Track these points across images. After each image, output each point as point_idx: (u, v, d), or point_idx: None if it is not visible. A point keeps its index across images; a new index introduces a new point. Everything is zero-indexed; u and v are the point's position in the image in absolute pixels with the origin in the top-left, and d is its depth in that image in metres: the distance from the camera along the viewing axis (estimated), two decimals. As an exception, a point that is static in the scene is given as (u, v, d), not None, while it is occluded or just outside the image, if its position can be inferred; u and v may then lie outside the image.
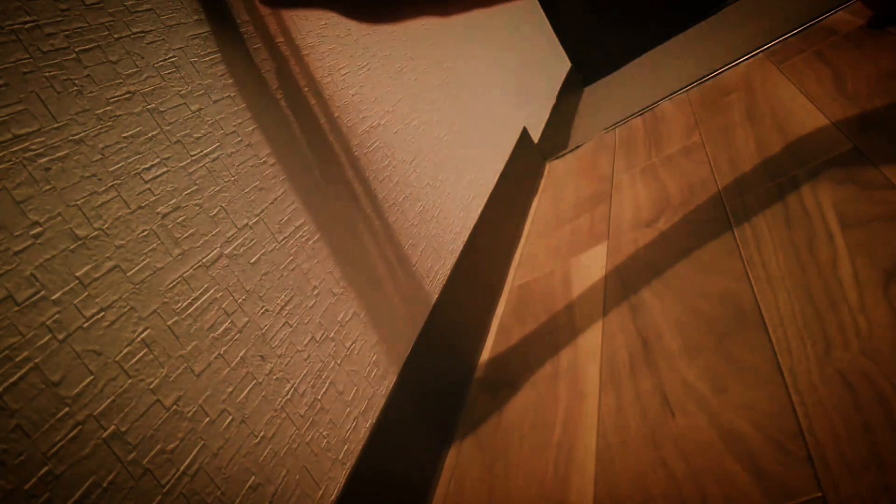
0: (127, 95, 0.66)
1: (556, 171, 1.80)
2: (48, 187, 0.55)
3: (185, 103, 0.73)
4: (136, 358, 0.55)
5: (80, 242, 0.55)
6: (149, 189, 0.64)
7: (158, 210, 0.64)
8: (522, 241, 1.43)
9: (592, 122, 2.11)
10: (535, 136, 1.96)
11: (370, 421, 0.78)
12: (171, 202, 0.65)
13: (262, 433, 0.63)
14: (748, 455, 0.56)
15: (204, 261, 0.66)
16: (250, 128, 0.81)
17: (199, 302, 0.63)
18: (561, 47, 2.82)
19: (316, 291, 0.79)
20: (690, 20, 2.64)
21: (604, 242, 1.15)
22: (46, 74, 0.59)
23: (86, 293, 0.54)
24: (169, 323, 0.59)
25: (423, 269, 1.05)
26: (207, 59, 0.79)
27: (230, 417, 0.61)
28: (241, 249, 0.71)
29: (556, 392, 0.82)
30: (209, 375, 0.61)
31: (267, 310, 0.71)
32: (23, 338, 0.48)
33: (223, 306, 0.66)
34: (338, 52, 1.10)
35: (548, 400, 0.82)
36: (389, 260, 0.97)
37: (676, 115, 1.63)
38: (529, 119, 1.96)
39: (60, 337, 0.51)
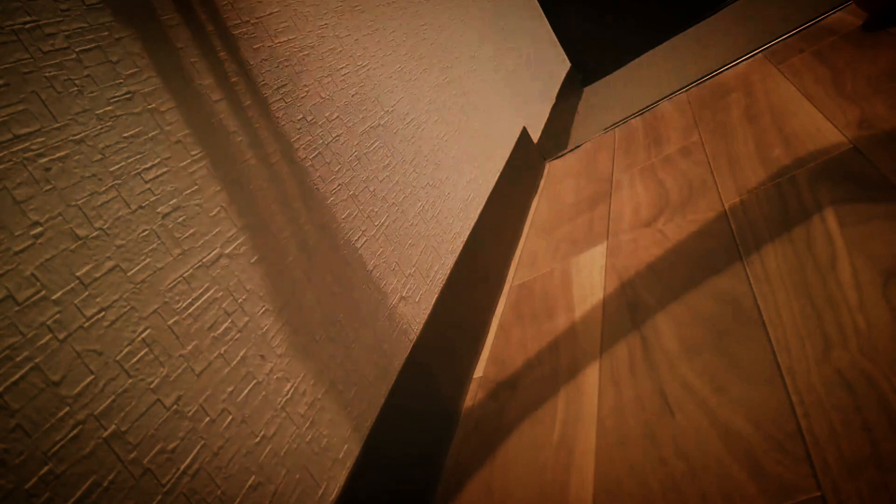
0: (127, 96, 0.66)
1: (556, 171, 1.80)
2: (49, 187, 0.55)
3: (185, 103, 0.73)
4: (137, 357, 0.55)
5: (80, 242, 0.55)
6: (149, 189, 0.64)
7: (159, 210, 0.64)
8: (522, 240, 1.43)
9: (592, 122, 2.11)
10: (535, 135, 1.96)
11: (370, 421, 0.78)
12: (172, 202, 0.66)
13: (262, 432, 0.64)
14: (747, 454, 0.57)
15: (204, 260, 0.66)
16: (251, 128, 0.81)
17: (200, 301, 0.63)
18: (561, 47, 2.82)
19: (316, 291, 0.80)
20: (690, 20, 2.64)
21: (603, 242, 1.15)
22: (47, 74, 0.59)
23: (86, 293, 0.54)
24: (169, 322, 0.59)
25: (423, 268, 1.05)
26: (208, 59, 0.79)
27: (230, 417, 0.61)
28: (242, 249, 0.71)
29: (555, 391, 0.82)
30: (209, 375, 0.61)
31: (267, 309, 0.71)
32: (23, 337, 0.48)
33: (223, 306, 0.66)
34: (338, 52, 1.10)
35: (548, 399, 0.82)
36: (389, 260, 0.97)
37: (676, 115, 1.63)
38: (529, 119, 1.96)
39: (61, 337, 0.51)
